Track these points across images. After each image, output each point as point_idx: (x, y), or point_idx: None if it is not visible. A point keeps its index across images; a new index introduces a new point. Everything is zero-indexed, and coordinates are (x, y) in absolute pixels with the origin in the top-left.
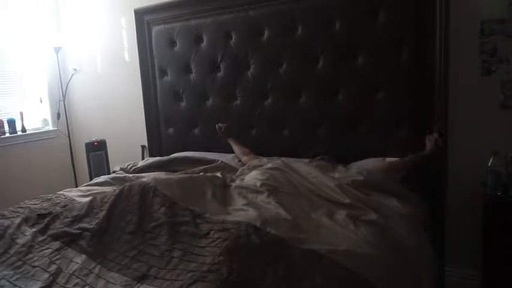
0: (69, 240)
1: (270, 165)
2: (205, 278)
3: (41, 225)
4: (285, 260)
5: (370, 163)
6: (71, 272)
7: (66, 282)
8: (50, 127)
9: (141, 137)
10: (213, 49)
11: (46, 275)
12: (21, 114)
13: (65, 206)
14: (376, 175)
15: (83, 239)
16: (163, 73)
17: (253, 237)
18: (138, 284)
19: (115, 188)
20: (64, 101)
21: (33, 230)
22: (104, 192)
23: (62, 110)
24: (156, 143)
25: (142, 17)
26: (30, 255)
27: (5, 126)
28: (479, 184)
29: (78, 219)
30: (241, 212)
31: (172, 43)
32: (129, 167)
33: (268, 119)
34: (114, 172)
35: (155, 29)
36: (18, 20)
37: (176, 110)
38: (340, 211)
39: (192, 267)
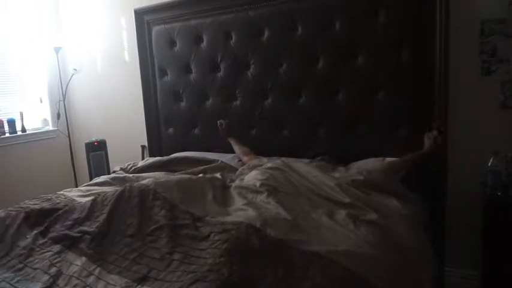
0: (70, 243)
1: (269, 164)
2: (205, 278)
3: (41, 228)
4: (285, 261)
5: (370, 163)
6: (71, 273)
7: (66, 284)
8: (50, 127)
9: (141, 137)
10: (213, 49)
11: (46, 277)
12: (21, 114)
13: (65, 205)
14: (376, 175)
15: (83, 242)
16: (163, 73)
17: (253, 238)
18: (139, 286)
19: (115, 188)
20: (64, 101)
21: (34, 232)
22: (105, 192)
23: (62, 110)
24: (156, 143)
25: (142, 17)
26: (31, 258)
27: (5, 126)
28: (479, 184)
29: (78, 222)
30: (241, 212)
31: (172, 43)
32: (129, 167)
33: (268, 119)
34: (114, 172)
35: (155, 29)
36: (18, 20)
37: (176, 110)
38: (340, 210)
39: (193, 268)
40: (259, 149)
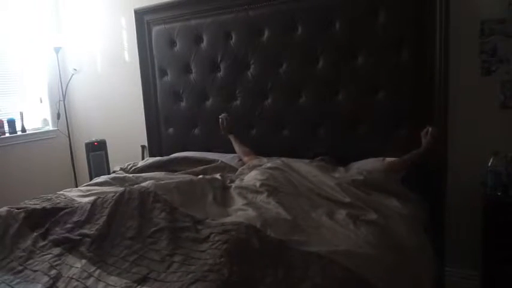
0: (70, 246)
1: (269, 164)
2: (206, 278)
3: (42, 230)
4: (285, 261)
5: (370, 163)
6: (70, 275)
7: (66, 285)
8: (50, 127)
9: (141, 137)
10: (213, 49)
11: (46, 279)
12: (21, 114)
13: (65, 205)
14: (376, 175)
15: (83, 245)
16: (163, 73)
17: (254, 239)
18: (139, 287)
19: (116, 187)
20: (64, 101)
21: (34, 234)
22: (105, 192)
23: (62, 110)
24: (156, 143)
25: (142, 17)
26: (31, 261)
27: (5, 126)
28: (479, 184)
29: (79, 225)
30: (241, 212)
31: (172, 43)
32: (129, 167)
33: (268, 119)
34: (114, 172)
35: (155, 29)
36: (18, 20)
37: (176, 110)
38: (341, 210)
39: (193, 268)
40: (259, 149)
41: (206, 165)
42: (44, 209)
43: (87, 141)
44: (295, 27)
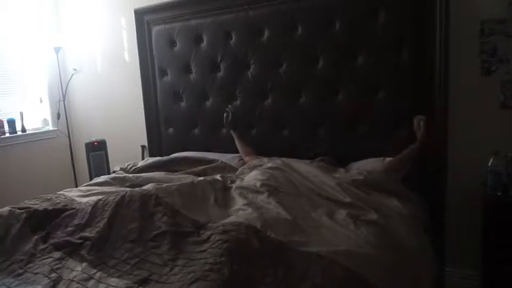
0: (71, 250)
1: (270, 164)
2: (206, 277)
3: (43, 233)
4: (285, 261)
5: (370, 163)
6: (71, 278)
7: (67, 287)
8: (50, 127)
9: (141, 137)
10: (213, 49)
11: (46, 280)
12: (21, 114)
13: (65, 206)
14: (376, 175)
15: (84, 249)
16: (163, 73)
17: (254, 239)
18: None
19: (116, 188)
20: (64, 101)
21: (35, 237)
22: (105, 193)
23: (62, 110)
24: (156, 143)
25: (142, 17)
26: (31, 264)
27: (5, 126)
28: (479, 184)
29: (79, 228)
30: (241, 212)
31: (172, 43)
32: (129, 167)
33: (268, 119)
34: (114, 172)
35: (155, 29)
36: (18, 20)
37: (176, 110)
38: (341, 210)
39: (193, 268)
40: (259, 149)
41: (206, 165)
42: (45, 210)
43: (87, 141)
44: (295, 27)
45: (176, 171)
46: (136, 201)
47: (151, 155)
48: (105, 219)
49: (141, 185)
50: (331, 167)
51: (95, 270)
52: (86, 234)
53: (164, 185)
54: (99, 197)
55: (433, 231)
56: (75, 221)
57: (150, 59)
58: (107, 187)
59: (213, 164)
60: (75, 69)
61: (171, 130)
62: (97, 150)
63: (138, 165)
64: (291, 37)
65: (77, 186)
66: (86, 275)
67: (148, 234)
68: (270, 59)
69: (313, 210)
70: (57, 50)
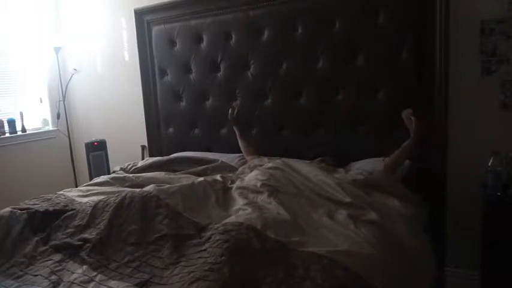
0: (71, 252)
1: (270, 165)
2: (206, 277)
3: (43, 234)
4: (286, 262)
5: (370, 163)
6: (72, 280)
7: None
8: (50, 127)
9: (141, 137)
10: (213, 49)
11: (47, 282)
12: (21, 114)
13: (65, 206)
14: (376, 175)
15: (84, 251)
16: (163, 73)
17: (254, 240)
18: None
19: (116, 188)
20: (64, 101)
21: (36, 239)
22: (106, 193)
23: (62, 110)
24: (156, 143)
25: (142, 17)
26: (32, 267)
27: (5, 126)
28: (479, 184)
29: (79, 229)
30: (241, 211)
31: (172, 43)
32: (129, 167)
33: (268, 119)
34: (114, 172)
35: (155, 29)
36: (18, 20)
37: (176, 110)
38: (341, 211)
39: (193, 268)
40: (259, 149)
41: (206, 165)
42: (46, 210)
43: (87, 141)
44: (295, 27)
45: (176, 171)
46: (137, 203)
47: (151, 155)
48: (106, 221)
49: (141, 185)
50: (331, 167)
51: (95, 273)
52: (86, 235)
53: (165, 186)
54: (99, 197)
55: (433, 231)
56: (76, 222)
57: (150, 59)
58: (107, 187)
59: (213, 164)
60: (75, 69)
61: (171, 130)
62: (97, 150)
63: (138, 165)
64: (291, 37)
65: (77, 186)
66: (86, 277)
67: (150, 237)
68: (270, 59)
69: (313, 211)
70: (57, 50)
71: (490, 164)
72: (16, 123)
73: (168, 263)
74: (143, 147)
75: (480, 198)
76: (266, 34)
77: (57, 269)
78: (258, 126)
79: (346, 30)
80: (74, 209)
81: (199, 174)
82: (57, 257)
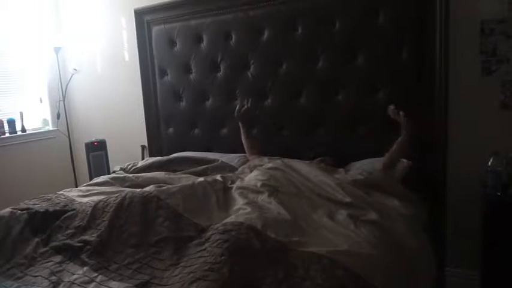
0: (71, 254)
1: (270, 165)
2: (206, 277)
3: (43, 235)
4: (286, 262)
5: (370, 163)
6: (72, 280)
7: None
8: (50, 127)
9: (141, 137)
10: (213, 49)
11: (47, 283)
12: (21, 114)
13: (65, 206)
14: (376, 175)
15: (84, 253)
16: (163, 73)
17: (254, 240)
18: None
19: (116, 188)
20: (64, 101)
21: (36, 240)
22: (106, 193)
23: (62, 110)
24: (156, 143)
25: (142, 17)
26: (32, 268)
27: (5, 126)
28: (479, 184)
29: (80, 230)
30: (241, 211)
31: (172, 43)
32: (129, 167)
33: (268, 119)
34: (114, 172)
35: (155, 29)
36: (18, 20)
37: (176, 110)
38: (341, 211)
39: (193, 268)
40: (259, 149)
41: (206, 165)
42: (46, 211)
43: (87, 141)
44: (295, 27)
45: (176, 171)
46: (137, 203)
47: (151, 155)
48: (106, 222)
49: (141, 185)
50: (331, 168)
51: (96, 274)
52: (87, 237)
53: (165, 186)
54: (99, 197)
55: (433, 231)
56: (76, 223)
57: (150, 59)
58: (107, 187)
59: (213, 164)
60: (75, 69)
61: (171, 130)
62: (97, 150)
63: (138, 165)
64: (291, 37)
65: (77, 186)
66: (87, 278)
67: (150, 239)
68: (270, 59)
69: (313, 211)
70: (57, 50)
71: (490, 164)
72: (16, 123)
73: (169, 264)
74: (143, 147)
75: (480, 198)
76: (266, 34)
77: (57, 270)
78: (258, 126)
79: (346, 30)
80: (74, 209)
81: (199, 174)
82: (58, 258)
